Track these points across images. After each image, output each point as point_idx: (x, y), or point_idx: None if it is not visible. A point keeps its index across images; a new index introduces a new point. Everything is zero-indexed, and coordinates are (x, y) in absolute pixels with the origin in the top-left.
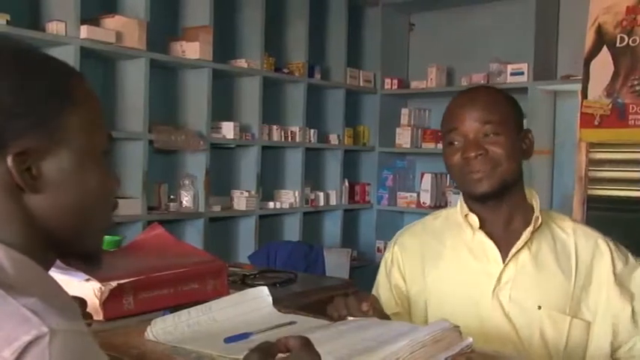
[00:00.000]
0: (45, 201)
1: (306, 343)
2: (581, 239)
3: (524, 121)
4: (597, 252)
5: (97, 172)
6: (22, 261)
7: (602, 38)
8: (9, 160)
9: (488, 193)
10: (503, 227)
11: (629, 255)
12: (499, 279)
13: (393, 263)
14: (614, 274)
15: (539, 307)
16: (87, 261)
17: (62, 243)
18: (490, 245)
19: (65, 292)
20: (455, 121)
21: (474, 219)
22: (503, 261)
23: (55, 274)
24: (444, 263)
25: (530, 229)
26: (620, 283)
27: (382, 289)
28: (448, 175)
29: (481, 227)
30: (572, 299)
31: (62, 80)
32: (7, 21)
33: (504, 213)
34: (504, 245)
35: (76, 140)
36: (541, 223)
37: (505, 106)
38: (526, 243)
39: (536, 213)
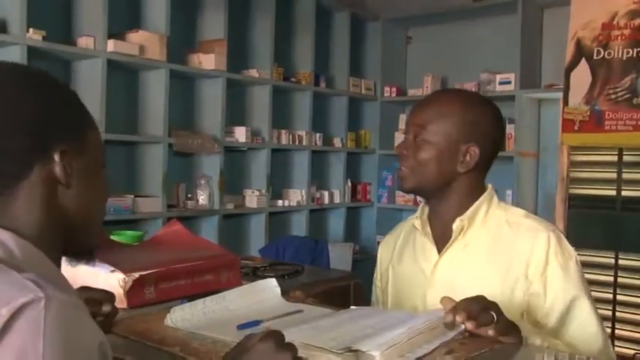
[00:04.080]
0: (71, 195)
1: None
2: (522, 235)
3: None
4: (537, 246)
5: (102, 180)
6: (32, 250)
7: (580, 51)
8: (56, 156)
9: (407, 191)
10: (444, 226)
11: (573, 258)
12: (432, 276)
13: (376, 263)
14: (545, 271)
15: None
16: (84, 256)
17: (72, 236)
18: (427, 244)
19: (68, 282)
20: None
21: (417, 221)
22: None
23: (82, 266)
24: (404, 259)
25: (458, 228)
26: (545, 282)
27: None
28: None
29: (430, 225)
30: (501, 296)
31: (84, 107)
32: (43, 37)
33: (445, 213)
34: (444, 244)
35: (93, 152)
36: (480, 220)
37: (449, 115)
38: (457, 240)
39: (463, 216)
